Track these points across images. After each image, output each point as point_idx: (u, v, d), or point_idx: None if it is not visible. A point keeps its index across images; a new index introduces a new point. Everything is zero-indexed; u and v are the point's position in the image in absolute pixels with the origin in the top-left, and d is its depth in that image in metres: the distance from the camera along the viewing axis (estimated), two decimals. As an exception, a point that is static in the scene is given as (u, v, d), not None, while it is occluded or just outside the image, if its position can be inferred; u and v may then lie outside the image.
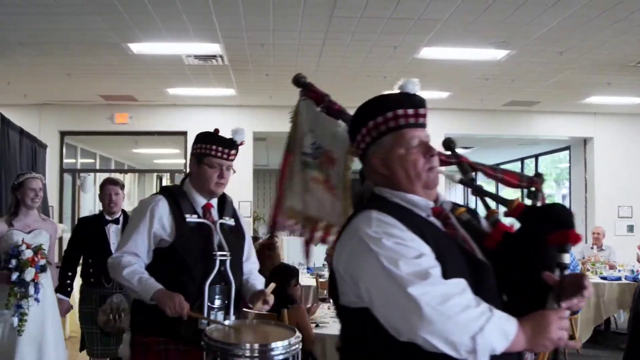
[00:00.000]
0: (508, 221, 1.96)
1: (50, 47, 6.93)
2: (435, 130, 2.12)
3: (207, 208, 3.21)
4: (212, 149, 3.14)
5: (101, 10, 5.74)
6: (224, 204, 3.34)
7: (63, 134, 10.65)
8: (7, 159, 6.21)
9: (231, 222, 3.30)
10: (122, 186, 5.26)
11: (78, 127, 10.62)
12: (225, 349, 2.51)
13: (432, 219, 1.86)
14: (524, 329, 1.61)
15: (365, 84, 8.64)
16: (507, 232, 1.90)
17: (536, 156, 14.02)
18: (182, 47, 7.01)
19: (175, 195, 3.17)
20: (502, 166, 2.17)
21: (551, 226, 1.77)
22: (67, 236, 6.48)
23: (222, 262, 3.09)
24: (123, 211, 5.24)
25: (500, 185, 2.66)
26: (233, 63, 7.73)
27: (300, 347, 2.62)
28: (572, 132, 11.25)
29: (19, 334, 4.36)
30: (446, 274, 1.65)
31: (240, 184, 8.97)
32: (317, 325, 4.87)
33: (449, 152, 2.34)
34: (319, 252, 7.53)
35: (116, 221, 5.11)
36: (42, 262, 4.48)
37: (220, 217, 3.25)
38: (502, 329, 1.58)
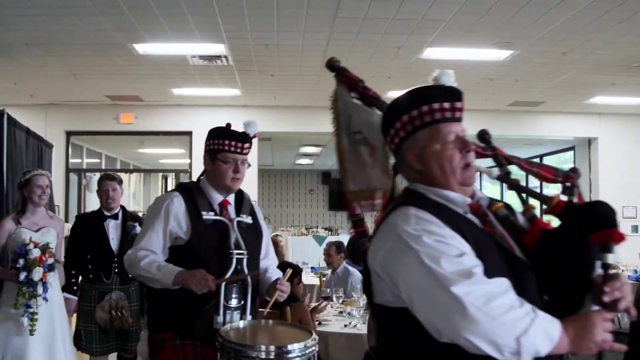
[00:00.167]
0: (545, 218, 1.90)
1: (56, 47, 6.97)
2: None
3: (224, 205, 3.16)
4: (225, 143, 3.09)
5: (107, 11, 5.77)
6: (242, 201, 3.28)
7: (69, 134, 10.70)
8: (14, 158, 6.24)
9: (248, 219, 3.23)
10: (120, 182, 5.18)
11: (84, 127, 10.66)
12: (239, 350, 2.45)
13: (470, 216, 1.80)
14: (568, 331, 1.56)
15: (369, 84, 8.64)
16: (545, 229, 1.81)
17: (541, 156, 13.99)
18: (187, 47, 7.05)
19: (191, 192, 3.12)
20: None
21: (593, 225, 1.69)
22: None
23: (239, 261, 3.02)
24: (122, 207, 5.19)
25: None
26: (238, 63, 7.76)
27: (317, 349, 2.56)
28: (576, 132, 11.25)
29: (30, 333, 4.32)
30: (486, 273, 1.60)
31: (245, 184, 8.92)
32: (319, 323, 4.90)
33: (483, 144, 2.25)
34: (321, 251, 7.57)
35: (115, 216, 5.05)
36: (50, 261, 4.46)
37: (238, 214, 3.18)
38: (547, 330, 1.53)
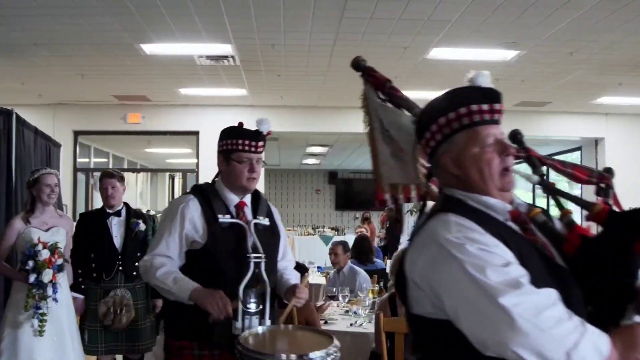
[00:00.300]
0: (585, 224, 1.80)
1: (64, 48, 7.01)
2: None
3: (240, 207, 3.08)
4: (239, 143, 3.00)
5: (115, 12, 5.81)
6: (258, 202, 3.20)
7: (77, 134, 10.75)
8: (22, 158, 6.28)
9: (266, 221, 3.14)
10: (120, 178, 5.07)
11: (91, 126, 10.71)
12: (259, 358, 2.34)
13: (510, 224, 1.72)
14: (616, 345, 1.48)
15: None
16: (584, 235, 1.71)
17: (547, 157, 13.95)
18: (194, 47, 7.08)
19: (207, 194, 3.04)
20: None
21: (639, 232, 1.59)
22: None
23: (257, 265, 2.91)
24: (126, 204, 5.13)
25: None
26: (244, 63, 7.79)
27: (339, 355, 2.45)
28: (583, 132, 11.23)
29: (39, 334, 4.29)
30: (531, 284, 1.52)
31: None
32: (325, 322, 4.92)
33: (515, 145, 2.10)
34: (327, 251, 7.58)
35: (118, 214, 5.00)
36: (60, 261, 4.42)
37: (255, 216, 3.10)
38: (596, 345, 1.46)
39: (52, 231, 4.60)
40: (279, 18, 6.00)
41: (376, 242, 14.10)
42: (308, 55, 7.36)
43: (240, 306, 2.81)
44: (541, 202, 9.60)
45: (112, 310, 4.76)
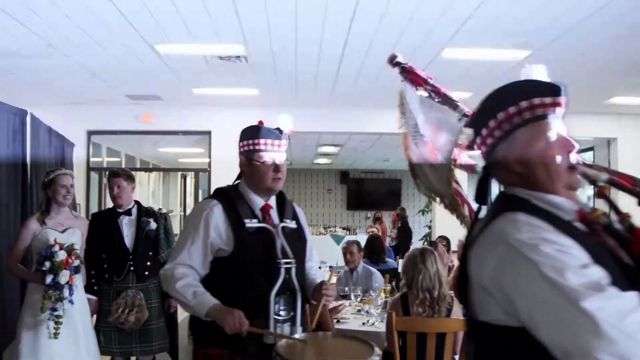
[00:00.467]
0: None
1: (77, 48, 7.05)
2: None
3: (266, 210, 2.96)
4: (261, 143, 2.89)
5: (128, 12, 5.84)
6: (284, 204, 3.08)
7: (90, 133, 10.81)
8: (37, 157, 6.33)
9: (292, 224, 3.03)
10: (127, 177, 5.03)
11: (104, 126, 10.75)
12: None
13: (578, 225, 1.59)
14: None
15: (388, 85, 8.66)
16: None
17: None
18: (207, 48, 7.10)
19: (231, 198, 2.92)
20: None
21: None
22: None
23: (287, 271, 2.81)
24: (137, 203, 5.08)
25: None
26: (256, 64, 7.81)
27: None
28: (595, 132, 11.15)
29: (55, 337, 4.25)
30: None
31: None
32: (337, 321, 4.93)
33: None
34: (339, 250, 7.59)
35: (128, 213, 4.96)
36: (76, 262, 4.38)
37: (281, 219, 2.98)
38: None
39: (67, 232, 4.58)
40: (292, 19, 6.02)
41: (387, 242, 14.11)
42: (319, 55, 7.36)
43: (272, 314, 2.72)
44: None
45: (123, 311, 4.72)
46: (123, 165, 13.57)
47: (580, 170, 1.68)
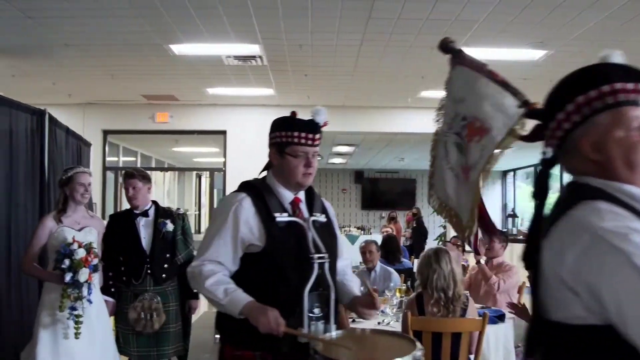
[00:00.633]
0: None
1: (94, 48, 7.11)
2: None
3: (295, 204, 2.83)
4: (294, 135, 2.75)
5: (144, 13, 5.88)
6: (313, 197, 2.95)
7: (106, 133, 10.90)
8: (54, 157, 6.37)
9: (322, 218, 2.89)
10: (142, 177, 4.86)
11: (120, 126, 10.85)
12: None
13: None
14: None
15: (403, 85, 8.70)
16: None
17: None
18: (222, 48, 7.14)
19: (260, 192, 2.78)
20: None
21: None
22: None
23: (321, 266, 2.67)
24: (155, 203, 4.96)
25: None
26: (272, 64, 7.83)
27: None
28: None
29: (75, 337, 4.16)
30: None
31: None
32: (353, 321, 4.92)
33: None
34: (354, 250, 7.57)
35: (145, 214, 4.85)
36: (95, 261, 4.28)
37: (310, 213, 2.84)
38: None
39: (84, 231, 4.48)
40: (307, 19, 6.03)
41: (402, 242, 14.09)
42: (335, 55, 7.38)
43: (306, 311, 2.60)
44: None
45: (142, 316, 4.64)
46: (138, 165, 13.62)
47: None
